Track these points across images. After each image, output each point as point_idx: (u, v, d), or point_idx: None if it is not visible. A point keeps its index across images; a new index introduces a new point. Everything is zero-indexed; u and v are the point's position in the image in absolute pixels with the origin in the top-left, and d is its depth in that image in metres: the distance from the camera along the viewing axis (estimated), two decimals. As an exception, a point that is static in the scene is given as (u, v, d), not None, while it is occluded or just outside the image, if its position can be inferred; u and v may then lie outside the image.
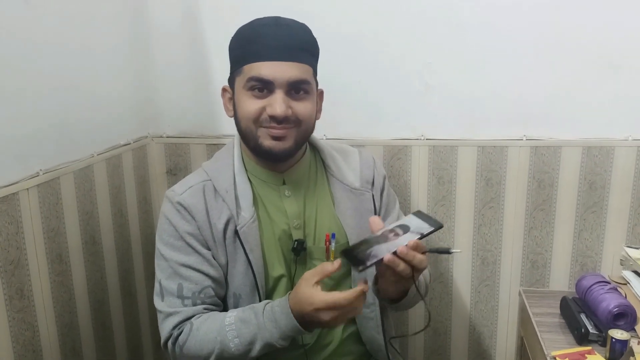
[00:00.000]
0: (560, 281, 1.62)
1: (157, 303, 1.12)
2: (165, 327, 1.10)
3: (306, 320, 0.99)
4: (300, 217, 1.16)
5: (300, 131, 1.12)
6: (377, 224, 0.99)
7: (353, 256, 0.95)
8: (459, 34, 1.51)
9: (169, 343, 1.09)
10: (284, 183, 1.17)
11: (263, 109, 1.08)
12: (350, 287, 1.18)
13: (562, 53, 1.49)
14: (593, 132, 1.53)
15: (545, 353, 1.07)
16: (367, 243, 0.96)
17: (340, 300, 0.95)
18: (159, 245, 1.13)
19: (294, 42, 1.09)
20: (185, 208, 1.11)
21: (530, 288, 1.57)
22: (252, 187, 1.16)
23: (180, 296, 1.10)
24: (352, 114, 1.59)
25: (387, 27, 1.53)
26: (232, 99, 1.14)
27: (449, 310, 1.70)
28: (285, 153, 1.12)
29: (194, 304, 1.10)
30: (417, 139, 1.59)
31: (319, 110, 1.20)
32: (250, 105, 1.09)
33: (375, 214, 1.21)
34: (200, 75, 1.62)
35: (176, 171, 1.70)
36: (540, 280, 1.63)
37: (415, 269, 0.95)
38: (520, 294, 1.31)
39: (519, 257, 1.63)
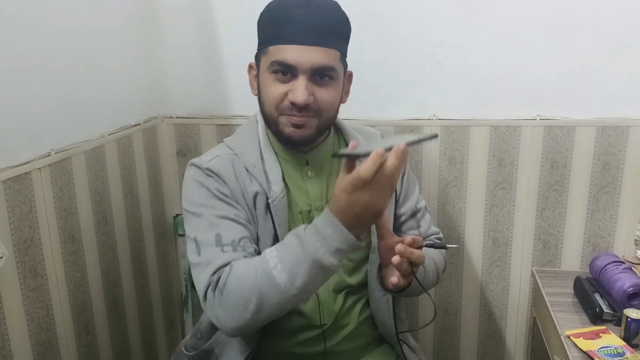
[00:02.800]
0: (573, 262, 1.61)
1: (194, 258, 1.04)
2: (203, 277, 1.00)
3: (349, 217, 0.88)
4: (322, 199, 1.14)
5: (322, 119, 1.09)
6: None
7: (351, 151, 0.90)
8: (472, 13, 1.49)
9: (208, 291, 0.99)
10: (307, 163, 1.15)
11: (285, 94, 1.05)
12: (367, 271, 1.17)
13: (577, 32, 1.47)
14: (607, 112, 1.51)
15: (559, 332, 1.06)
16: (364, 145, 0.95)
17: (359, 172, 0.85)
18: (190, 207, 1.08)
19: (324, 25, 1.05)
20: (215, 173, 1.09)
21: (543, 268, 1.56)
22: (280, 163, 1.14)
23: (219, 244, 1.02)
24: (363, 94, 1.56)
25: (398, 6, 1.51)
26: (257, 77, 1.12)
27: (460, 291, 1.70)
28: (305, 141, 1.10)
29: (235, 250, 1.02)
30: (429, 119, 1.57)
31: (345, 93, 1.17)
32: (273, 89, 1.06)
33: (395, 198, 1.20)
34: (210, 55, 1.61)
35: (186, 152, 1.70)
36: (552, 261, 1.62)
37: (414, 264, 0.96)
38: (532, 274, 1.30)
39: (530, 237, 1.62)
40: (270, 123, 1.10)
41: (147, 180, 1.61)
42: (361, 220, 0.89)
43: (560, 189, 1.57)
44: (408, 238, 0.94)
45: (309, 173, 1.15)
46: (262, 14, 1.09)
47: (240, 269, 0.97)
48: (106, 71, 1.40)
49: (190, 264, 1.06)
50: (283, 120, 1.08)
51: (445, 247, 0.98)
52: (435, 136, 0.89)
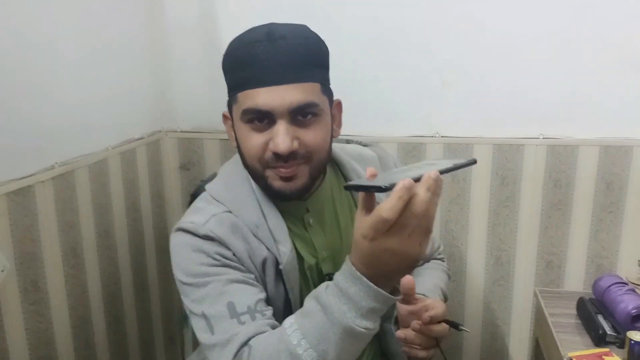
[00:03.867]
0: (576, 282, 1.60)
1: (206, 340, 0.89)
2: (225, 356, 0.85)
3: (376, 270, 0.74)
4: (329, 248, 1.03)
5: (314, 164, 0.95)
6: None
7: (370, 182, 0.72)
8: (478, 32, 1.50)
9: None
10: (307, 211, 1.02)
11: (266, 144, 0.91)
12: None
13: (581, 51, 1.47)
14: (611, 132, 1.51)
15: (562, 354, 1.05)
16: (386, 174, 0.79)
17: (381, 211, 0.69)
18: (188, 279, 0.93)
19: (293, 57, 0.90)
20: (215, 239, 0.93)
21: (546, 288, 1.55)
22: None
23: (234, 315, 0.88)
24: (367, 110, 1.58)
25: (404, 24, 1.52)
26: (233, 128, 0.98)
27: (462, 310, 1.69)
28: (299, 193, 0.95)
29: (253, 319, 0.88)
30: (432, 137, 1.57)
31: (337, 125, 1.04)
32: (251, 141, 0.92)
33: None
34: (215, 70, 1.59)
35: (189, 166, 1.70)
36: (555, 280, 1.61)
37: (439, 340, 0.89)
38: (535, 294, 1.29)
39: (533, 257, 1.61)
40: (257, 178, 0.96)
41: (149, 194, 1.61)
42: (391, 272, 0.75)
43: (563, 208, 1.57)
44: (425, 316, 0.86)
45: (310, 221, 1.02)
46: (224, 58, 0.96)
47: (260, 350, 0.83)
48: (111, 85, 1.41)
49: (203, 346, 0.91)
50: (270, 174, 0.94)
51: (458, 329, 0.89)
52: (475, 162, 0.75)
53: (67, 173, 1.23)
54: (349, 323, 0.75)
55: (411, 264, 0.73)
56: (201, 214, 0.96)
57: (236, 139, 0.98)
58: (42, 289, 1.16)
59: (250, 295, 0.90)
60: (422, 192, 0.67)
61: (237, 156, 1.03)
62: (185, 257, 0.94)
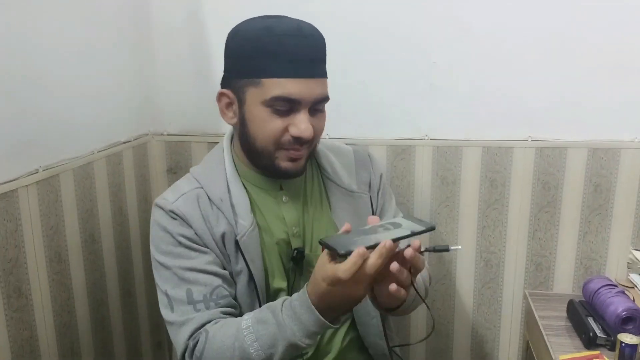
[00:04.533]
0: (565, 284, 1.60)
1: (167, 315, 1.03)
2: (179, 339, 1.00)
3: (326, 305, 0.89)
4: (299, 224, 1.12)
5: (312, 149, 1.09)
6: (374, 222, 0.93)
7: (335, 243, 0.86)
8: (465, 35, 1.50)
9: (186, 356, 1.00)
10: (281, 188, 1.12)
11: (285, 129, 1.02)
12: None
13: (570, 54, 1.48)
14: (599, 134, 1.51)
15: (553, 357, 1.05)
16: (353, 233, 0.89)
17: (339, 272, 0.83)
18: (157, 255, 1.06)
19: (317, 54, 1.03)
20: (179, 216, 1.05)
21: (536, 291, 1.55)
22: (248, 193, 1.10)
23: (191, 302, 1.01)
24: (355, 113, 1.57)
25: (392, 27, 1.51)
26: (235, 106, 1.06)
27: (452, 312, 1.68)
28: (299, 173, 1.09)
29: (208, 308, 1.01)
30: (421, 139, 1.57)
31: None
32: (272, 125, 1.01)
33: (373, 213, 1.18)
34: (202, 72, 1.60)
35: (177, 170, 1.68)
36: (544, 282, 1.61)
37: (414, 272, 0.91)
38: (525, 297, 1.29)
39: (522, 259, 1.61)
40: (262, 157, 1.06)
41: (136, 198, 1.59)
42: (339, 309, 0.90)
43: (552, 210, 1.57)
44: (417, 242, 0.88)
45: (284, 198, 1.12)
46: (243, 40, 1.02)
47: (217, 340, 0.96)
48: (96, 87, 1.38)
49: (164, 320, 1.05)
50: (281, 154, 1.04)
51: (447, 250, 0.92)
52: (433, 228, 0.87)
53: (52, 177, 1.21)
54: (296, 340, 0.90)
55: (355, 303, 0.91)
56: (174, 192, 1.09)
57: (241, 120, 1.05)
58: (26, 295, 1.13)
59: (207, 283, 1.02)
60: (373, 259, 0.82)
61: (219, 145, 1.14)
62: (156, 235, 1.06)
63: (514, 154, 1.55)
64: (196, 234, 1.04)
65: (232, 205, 1.06)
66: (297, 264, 1.10)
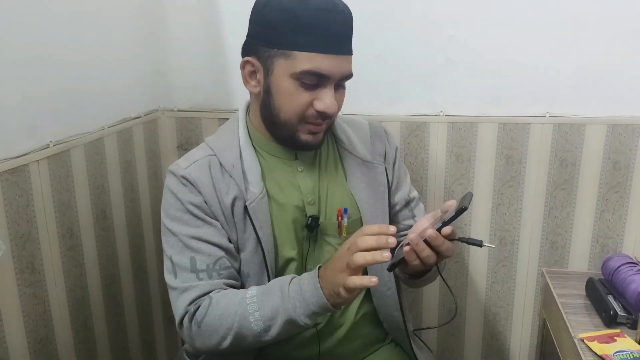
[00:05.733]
0: (581, 262, 1.58)
1: (170, 280, 1.05)
2: (180, 304, 1.02)
3: (334, 292, 0.90)
4: (315, 193, 1.11)
5: (331, 122, 1.10)
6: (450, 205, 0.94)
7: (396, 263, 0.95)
8: (483, 8, 1.46)
9: (185, 320, 1.02)
10: (296, 158, 1.13)
11: (310, 102, 1.02)
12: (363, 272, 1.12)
13: (589, 29, 1.43)
14: (618, 110, 1.47)
15: (572, 335, 1.03)
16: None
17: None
18: (166, 220, 1.07)
19: (348, 31, 1.03)
20: (190, 182, 1.05)
21: (553, 269, 1.53)
22: (261, 161, 1.10)
23: (194, 270, 1.02)
24: (370, 89, 1.54)
25: (408, 1, 1.47)
26: (260, 75, 1.05)
27: (465, 290, 1.67)
28: (318, 146, 1.09)
29: (210, 277, 1.02)
30: (436, 115, 1.54)
31: None
32: (299, 98, 1.01)
33: (388, 187, 1.17)
34: (214, 48, 1.57)
35: (187, 146, 1.66)
36: (559, 261, 1.59)
37: (440, 257, 0.93)
38: (543, 275, 1.27)
39: (538, 237, 1.59)
40: (284, 129, 1.05)
41: (147, 174, 1.58)
42: (339, 299, 0.90)
43: (568, 188, 1.54)
44: (448, 229, 0.90)
45: (299, 167, 1.12)
46: (279, 11, 1.00)
47: (220, 306, 0.98)
48: (107, 62, 1.36)
49: (167, 284, 1.06)
50: (302, 127, 1.05)
51: (480, 245, 0.91)
52: (465, 209, 0.87)
53: (63, 152, 1.20)
54: (295, 317, 0.92)
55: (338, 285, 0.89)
56: (187, 159, 1.09)
57: (267, 89, 1.04)
58: (39, 271, 1.13)
59: (211, 254, 1.03)
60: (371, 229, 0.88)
61: (234, 115, 1.15)
62: (166, 200, 1.07)
63: (530, 130, 1.52)
64: (205, 201, 1.04)
65: (243, 172, 1.06)
66: (311, 231, 1.09)
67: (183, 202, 1.04)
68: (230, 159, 1.07)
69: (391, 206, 1.19)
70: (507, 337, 1.68)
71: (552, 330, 1.20)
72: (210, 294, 1.01)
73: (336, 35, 1.00)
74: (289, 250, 1.09)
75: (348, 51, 1.03)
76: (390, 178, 1.20)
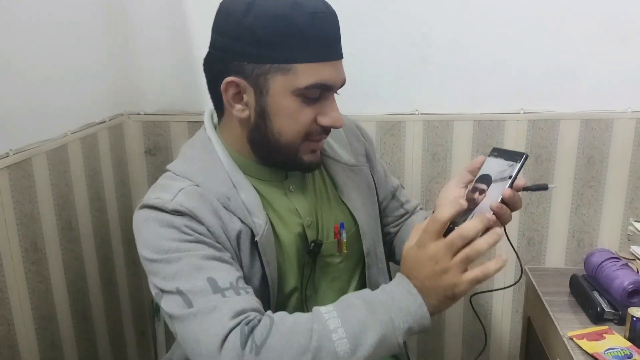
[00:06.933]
0: (557, 258, 1.58)
1: (180, 310, 0.80)
2: (211, 326, 0.77)
3: (445, 296, 0.80)
4: (312, 213, 1.01)
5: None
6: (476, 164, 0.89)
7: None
8: (457, 6, 1.44)
9: (231, 342, 0.75)
10: (286, 177, 1.01)
11: (314, 119, 0.91)
12: (364, 285, 1.07)
13: (563, 24, 1.44)
14: (592, 105, 1.48)
15: (561, 334, 1.02)
16: (459, 219, 0.82)
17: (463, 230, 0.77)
18: (158, 255, 0.84)
19: (339, 32, 0.92)
20: (187, 213, 0.86)
21: (535, 266, 1.53)
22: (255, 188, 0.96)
23: (217, 289, 0.80)
24: (345, 88, 1.49)
25: (381, -2, 1.45)
26: (249, 96, 0.90)
27: (444, 291, 1.65)
28: (320, 164, 1.00)
29: (238, 294, 0.81)
30: (412, 114, 1.52)
31: None
32: (303, 116, 0.89)
33: (375, 187, 1.13)
34: (181, 48, 1.51)
35: (155, 151, 1.60)
36: (537, 257, 1.59)
37: (512, 211, 0.84)
38: (525, 272, 1.26)
39: (514, 234, 1.59)
40: (284, 152, 0.92)
41: (114, 182, 1.51)
42: (438, 300, 0.81)
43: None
44: (507, 192, 0.81)
45: (291, 187, 1.01)
46: (269, 19, 0.85)
47: (288, 325, 0.78)
48: (69, 65, 1.29)
49: (173, 321, 0.82)
50: (304, 147, 0.93)
51: (546, 188, 0.87)
52: (527, 157, 0.83)
53: (24, 161, 1.12)
54: (389, 332, 0.77)
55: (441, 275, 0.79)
56: (167, 190, 0.90)
57: (260, 114, 0.90)
58: (1, 289, 1.05)
59: (229, 272, 0.84)
60: (473, 222, 0.78)
61: (199, 134, 1.00)
62: (153, 232, 0.86)
63: (505, 127, 1.51)
64: (209, 230, 0.87)
65: (243, 202, 0.92)
66: (314, 258, 1.00)
67: (182, 230, 0.85)
68: (222, 189, 0.91)
69: (379, 203, 1.16)
70: (488, 335, 1.67)
71: (538, 328, 1.19)
72: (270, 315, 0.80)
73: (332, 39, 0.90)
74: (292, 282, 0.99)
75: (341, 54, 0.92)
76: (375, 177, 1.15)
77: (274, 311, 0.85)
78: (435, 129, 1.52)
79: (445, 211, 0.79)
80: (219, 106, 0.96)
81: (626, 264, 1.10)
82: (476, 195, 0.86)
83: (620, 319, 1.03)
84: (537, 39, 1.44)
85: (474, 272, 0.79)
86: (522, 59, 1.46)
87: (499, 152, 0.88)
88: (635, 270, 1.10)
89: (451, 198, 0.90)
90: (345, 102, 1.47)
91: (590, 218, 1.55)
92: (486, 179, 0.86)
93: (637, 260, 1.21)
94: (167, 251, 0.84)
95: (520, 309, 1.62)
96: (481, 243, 0.77)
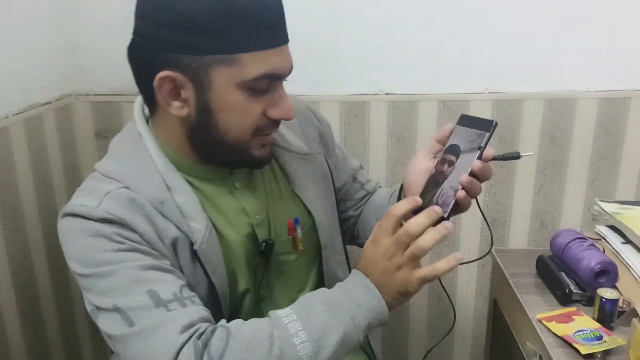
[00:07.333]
0: (520, 239, 1.58)
1: (122, 332, 0.73)
2: (161, 341, 0.70)
3: (399, 293, 0.79)
4: (262, 210, 0.93)
5: None
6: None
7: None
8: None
9: (190, 358, 0.69)
10: (230, 174, 0.92)
11: (263, 112, 0.83)
12: (322, 279, 1.02)
13: (525, 5, 1.41)
14: (555, 85, 1.47)
15: (530, 316, 1.00)
16: (427, 192, 0.83)
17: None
18: (90, 270, 0.76)
19: (283, 11, 0.82)
20: (115, 221, 0.78)
21: (501, 247, 1.53)
22: (193, 189, 0.87)
23: (160, 303, 0.73)
24: (305, 67, 1.42)
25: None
26: (188, 92, 0.80)
27: (408, 274, 1.63)
28: (271, 158, 0.93)
29: (184, 306, 0.74)
30: (376, 94, 1.47)
31: None
32: (252, 110, 0.81)
33: (331, 176, 1.05)
34: (133, 22, 1.42)
35: (107, 134, 1.51)
36: (500, 238, 1.59)
37: (482, 181, 0.84)
38: (492, 254, 1.25)
39: (478, 215, 1.57)
40: (232, 150, 0.84)
41: (62, 167, 1.42)
42: (392, 295, 0.80)
43: (507, 164, 1.53)
44: (477, 165, 0.80)
45: (237, 184, 0.92)
46: (207, 4, 0.75)
47: (246, 334, 0.73)
48: (10, 41, 1.19)
49: (113, 342, 0.76)
50: (254, 143, 0.85)
51: (518, 157, 0.86)
52: (496, 125, 0.83)
53: (-41, 144, 1.03)
54: (351, 331, 0.76)
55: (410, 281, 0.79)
56: (92, 195, 0.81)
57: (204, 108, 0.80)
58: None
59: (171, 281, 0.77)
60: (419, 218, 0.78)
61: (129, 128, 0.91)
62: (81, 244, 0.78)
63: (470, 107, 1.49)
64: (143, 238, 0.79)
65: (178, 207, 0.83)
66: (266, 258, 0.94)
67: (113, 239, 0.77)
68: (154, 193, 0.82)
69: (339, 190, 1.11)
70: (452, 319, 1.66)
71: (505, 311, 1.18)
72: (225, 324, 0.75)
73: (277, 22, 0.81)
74: (244, 284, 0.93)
75: (287, 37, 0.84)
76: (331, 165, 1.07)
77: (228, 317, 0.80)
78: (400, 110, 1.48)
79: (400, 207, 0.79)
80: (151, 101, 0.85)
81: (592, 244, 1.10)
82: (445, 167, 0.83)
83: (588, 300, 1.02)
84: (502, 18, 1.42)
85: (422, 272, 0.78)
86: (486, 39, 1.43)
87: (468, 120, 0.85)
88: (602, 250, 1.10)
89: (419, 171, 0.88)
90: (307, 82, 1.45)
91: (552, 198, 1.55)
92: (455, 150, 0.84)
93: (603, 240, 1.21)
94: (98, 264, 0.76)
95: (484, 291, 1.62)
96: (426, 240, 0.76)
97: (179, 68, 0.78)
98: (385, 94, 1.47)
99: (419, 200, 0.80)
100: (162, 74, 0.78)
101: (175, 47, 0.77)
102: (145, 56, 0.81)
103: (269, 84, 0.81)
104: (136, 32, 0.83)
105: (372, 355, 1.11)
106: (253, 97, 0.80)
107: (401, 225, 0.79)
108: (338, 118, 1.48)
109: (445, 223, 0.78)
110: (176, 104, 0.81)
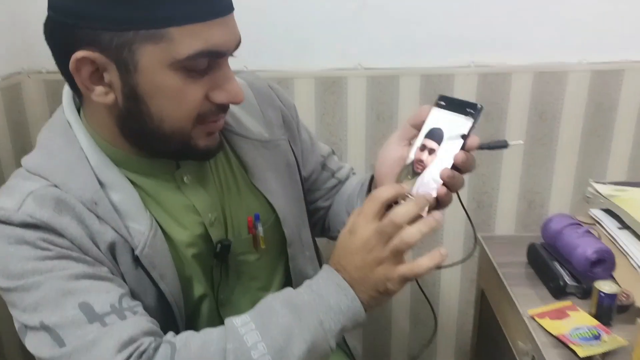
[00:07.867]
0: (508, 222, 1.51)
1: (52, 351, 0.64)
2: (97, 359, 0.63)
3: (377, 291, 0.71)
4: (215, 207, 0.83)
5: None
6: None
7: None
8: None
9: None
10: (177, 167, 0.80)
11: (205, 96, 0.71)
12: (290, 278, 0.92)
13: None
14: (545, 57, 1.37)
15: (521, 312, 0.92)
16: (402, 183, 0.74)
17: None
18: (12, 282, 0.67)
19: None
20: (40, 226, 0.68)
21: (488, 234, 1.44)
22: (133, 185, 0.77)
23: (95, 317, 0.65)
24: (276, 41, 1.33)
25: None
26: (112, 75, 0.68)
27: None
28: (221, 147, 0.81)
29: (123, 318, 0.66)
30: (354, 69, 1.37)
31: None
32: (190, 94, 0.69)
33: (297, 163, 0.94)
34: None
35: (63, 115, 1.39)
36: (486, 221, 1.51)
37: (464, 173, 0.74)
38: (479, 242, 1.16)
39: (463, 197, 1.48)
40: (171, 141, 0.73)
41: (12, 151, 1.30)
42: (370, 292, 0.71)
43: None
44: (476, 140, 0.71)
45: (185, 179, 0.80)
46: None
47: (194, 350, 0.64)
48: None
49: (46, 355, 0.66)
50: (197, 132, 0.73)
51: (506, 146, 0.76)
52: (481, 109, 0.72)
53: None
54: (320, 337, 0.67)
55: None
56: (14, 195, 0.70)
57: (130, 93, 0.69)
58: None
59: (108, 290, 0.68)
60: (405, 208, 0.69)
61: (57, 116, 0.79)
62: (1, 253, 0.68)
63: (455, 82, 1.39)
64: (73, 243, 0.69)
65: (114, 207, 0.73)
66: (223, 261, 0.84)
67: (37, 245, 0.67)
68: (86, 192, 0.71)
69: (306, 179, 1.00)
70: (435, 310, 1.59)
71: (494, 304, 1.10)
72: (167, 337, 0.67)
73: None
74: (200, 289, 0.83)
75: (232, 6, 0.71)
76: (298, 150, 0.96)
77: (184, 326, 0.71)
78: (380, 85, 1.38)
79: (386, 190, 0.70)
80: (75, 87, 0.73)
81: (587, 230, 1.01)
82: (425, 155, 0.74)
83: (583, 292, 0.94)
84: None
85: (402, 269, 0.69)
86: (470, 8, 1.33)
87: (448, 102, 0.75)
88: (597, 236, 1.02)
89: (392, 160, 0.78)
90: (277, 55, 1.34)
91: (541, 178, 1.47)
92: (437, 135, 0.74)
93: (597, 224, 1.13)
94: (22, 275, 0.66)
95: (472, 280, 1.54)
96: (412, 232, 0.67)
97: (98, 47, 0.66)
98: (364, 68, 1.36)
99: (406, 188, 0.71)
100: (79, 54, 0.66)
101: (92, 21, 0.65)
102: (60, 34, 0.68)
103: (209, 62, 0.69)
104: (50, 6, 0.69)
105: (348, 351, 1.02)
106: (191, 79, 0.68)
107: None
108: (313, 95, 1.37)
109: (434, 214, 0.69)
110: (99, 89, 0.70)
